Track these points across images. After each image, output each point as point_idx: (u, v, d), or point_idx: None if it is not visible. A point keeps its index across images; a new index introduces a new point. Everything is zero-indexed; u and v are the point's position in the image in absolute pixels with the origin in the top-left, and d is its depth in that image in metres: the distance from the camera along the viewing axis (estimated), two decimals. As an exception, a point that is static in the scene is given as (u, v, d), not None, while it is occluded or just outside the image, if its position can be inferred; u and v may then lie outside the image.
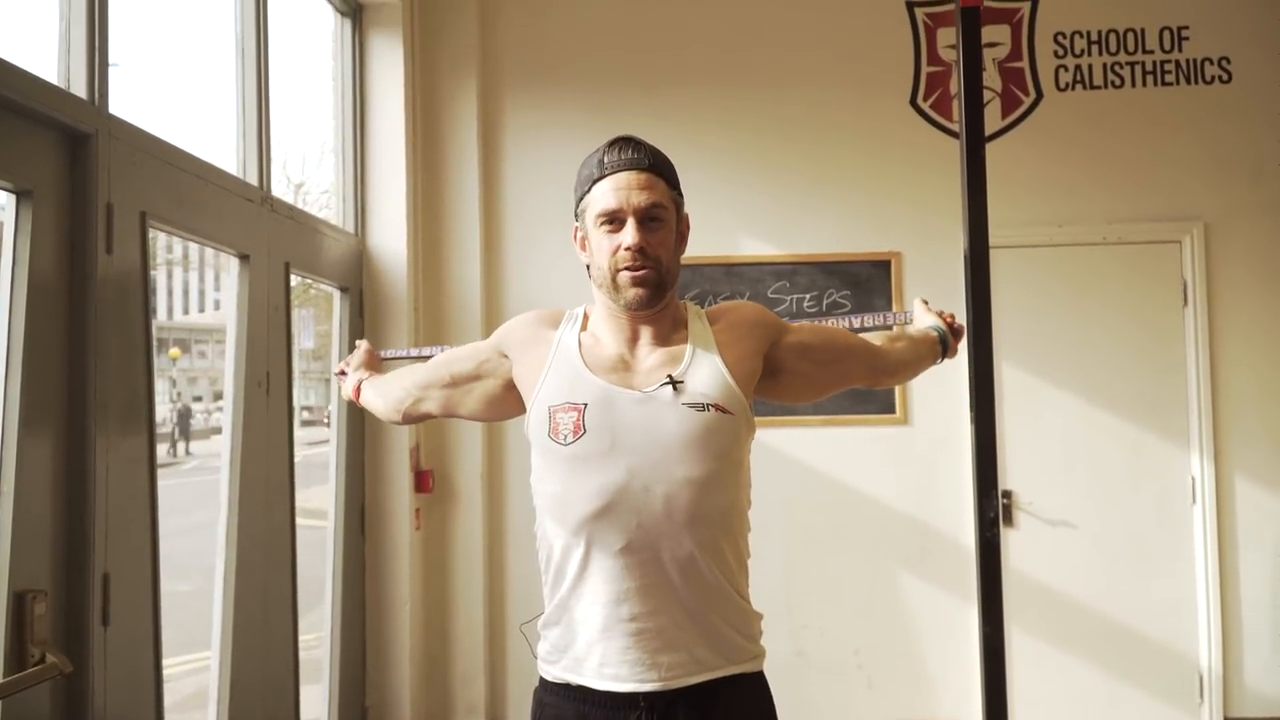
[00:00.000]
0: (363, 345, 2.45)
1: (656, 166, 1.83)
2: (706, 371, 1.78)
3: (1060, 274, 4.37)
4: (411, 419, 2.14)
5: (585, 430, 1.74)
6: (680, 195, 1.89)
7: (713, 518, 1.75)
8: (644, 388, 1.77)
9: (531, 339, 1.89)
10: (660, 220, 1.80)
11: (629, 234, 1.77)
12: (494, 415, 2.02)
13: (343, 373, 2.41)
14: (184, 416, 19.79)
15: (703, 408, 1.74)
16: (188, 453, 18.31)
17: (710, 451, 1.74)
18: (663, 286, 1.81)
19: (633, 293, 1.78)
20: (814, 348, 1.96)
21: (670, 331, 1.85)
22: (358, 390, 2.30)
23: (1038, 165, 4.37)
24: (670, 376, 1.76)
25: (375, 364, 2.40)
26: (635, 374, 1.80)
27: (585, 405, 1.76)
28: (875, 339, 2.14)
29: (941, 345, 2.27)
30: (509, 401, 1.95)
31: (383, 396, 2.20)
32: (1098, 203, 4.38)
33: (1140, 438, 4.33)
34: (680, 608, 1.73)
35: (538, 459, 1.83)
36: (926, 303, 2.43)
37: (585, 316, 1.90)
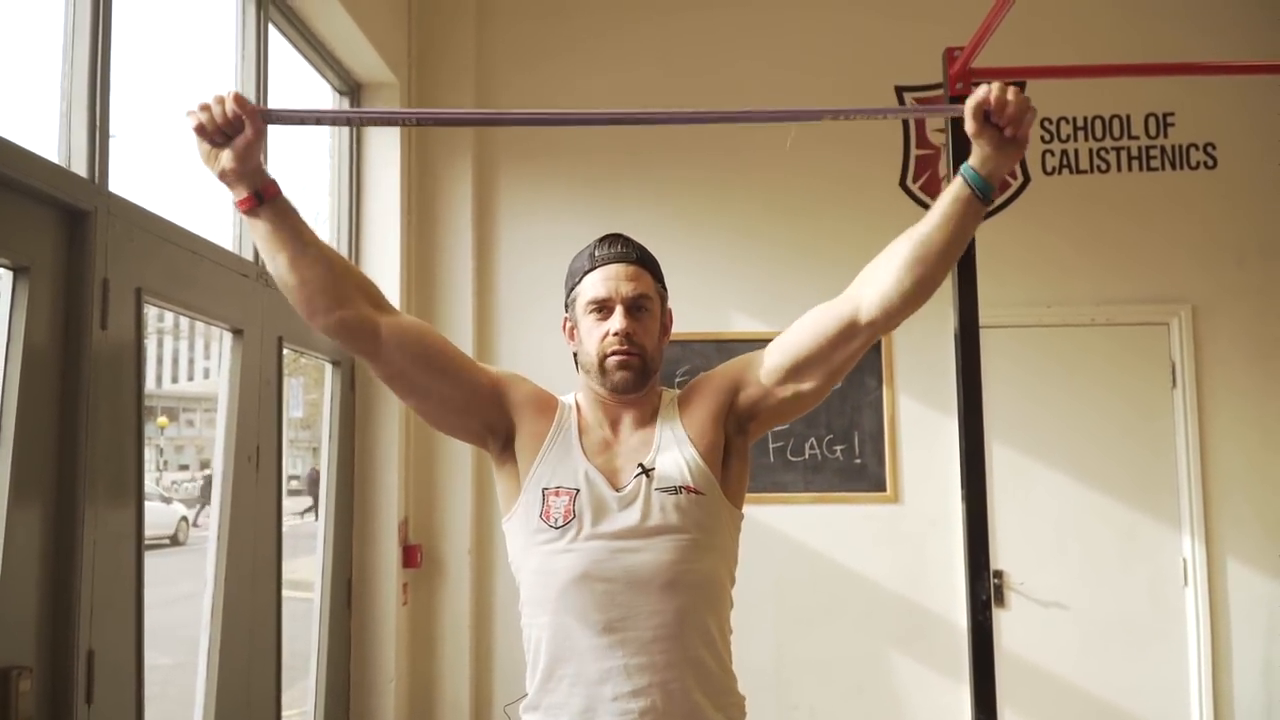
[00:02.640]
0: (240, 109, 1.61)
1: (643, 261, 1.92)
2: (673, 454, 1.83)
3: (1050, 353, 4.40)
4: (342, 331, 1.76)
5: (575, 515, 1.79)
6: (664, 290, 1.96)
7: (691, 585, 1.77)
8: (623, 483, 1.81)
9: (538, 413, 1.91)
10: (646, 310, 1.88)
11: (617, 320, 1.84)
12: (431, 412, 1.87)
13: (203, 131, 1.62)
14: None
15: (675, 490, 1.79)
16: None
17: (686, 526, 1.78)
18: (646, 373, 1.87)
19: (619, 376, 1.84)
20: (783, 367, 1.86)
21: (649, 418, 1.91)
22: (251, 201, 1.66)
23: (1026, 247, 4.42)
24: (641, 465, 1.81)
25: (259, 140, 1.65)
26: (618, 456, 1.86)
27: (577, 491, 1.80)
28: (880, 270, 1.74)
29: (980, 193, 1.65)
30: (462, 423, 1.90)
31: (311, 267, 1.71)
32: (1086, 284, 4.43)
33: (1131, 518, 4.32)
34: (662, 689, 1.74)
35: (522, 538, 1.84)
36: (982, 100, 1.61)
37: (577, 404, 1.95)
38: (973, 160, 1.66)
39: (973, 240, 2.99)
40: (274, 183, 1.69)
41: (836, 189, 4.51)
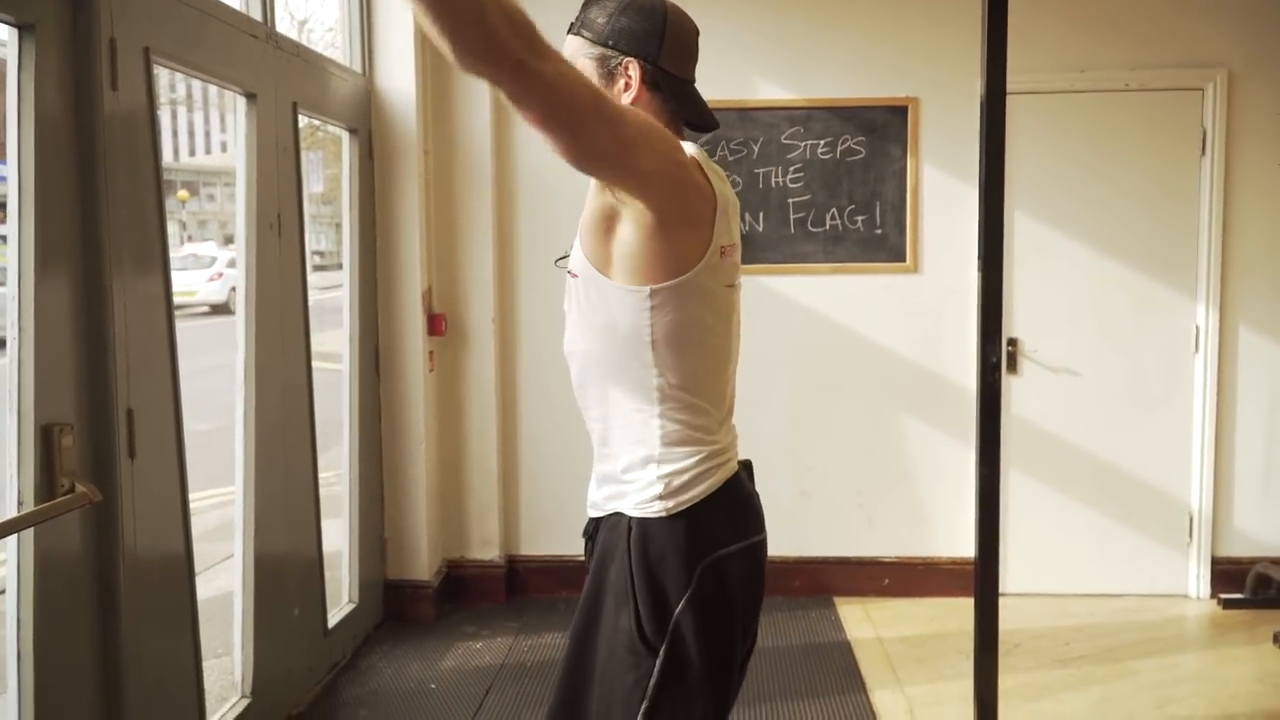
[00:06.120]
0: None
1: (574, 24, 1.78)
2: (579, 232, 1.75)
3: (1077, 125, 4.30)
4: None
5: None
6: (602, 43, 1.73)
7: (582, 360, 1.79)
8: None
9: None
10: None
11: None
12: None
13: None
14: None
15: (570, 274, 1.78)
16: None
17: (573, 306, 1.78)
18: None
19: None
20: None
21: None
22: None
23: (1061, 8, 4.24)
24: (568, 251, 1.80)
25: None
26: None
27: None
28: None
29: None
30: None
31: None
32: (1121, 49, 4.27)
33: (1148, 287, 4.34)
34: (596, 451, 1.85)
35: None
36: None
37: None
38: None
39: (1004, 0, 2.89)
40: None
41: (866, -55, 4.31)
